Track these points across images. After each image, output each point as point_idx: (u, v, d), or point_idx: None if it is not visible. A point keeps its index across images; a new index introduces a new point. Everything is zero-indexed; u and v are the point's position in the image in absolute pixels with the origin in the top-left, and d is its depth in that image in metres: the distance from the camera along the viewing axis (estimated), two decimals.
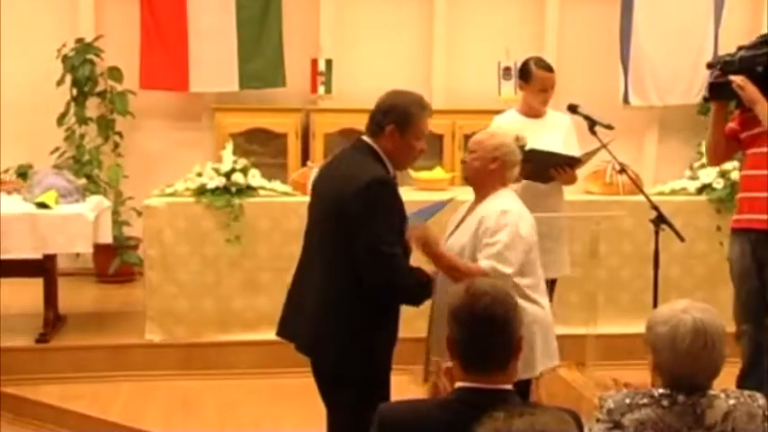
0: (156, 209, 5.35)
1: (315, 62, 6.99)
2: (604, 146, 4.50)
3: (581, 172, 4.84)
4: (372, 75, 7.20)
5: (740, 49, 4.11)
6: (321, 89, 6.99)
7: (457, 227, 3.46)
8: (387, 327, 3.23)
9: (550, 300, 4.24)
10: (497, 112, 5.29)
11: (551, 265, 4.50)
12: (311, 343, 3.24)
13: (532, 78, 4.69)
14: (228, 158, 5.47)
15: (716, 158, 4.41)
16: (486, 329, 2.35)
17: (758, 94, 3.98)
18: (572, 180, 4.67)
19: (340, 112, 7.04)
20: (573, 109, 4.66)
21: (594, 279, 5.00)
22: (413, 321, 3.47)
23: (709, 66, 4.29)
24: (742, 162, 4.41)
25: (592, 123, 4.54)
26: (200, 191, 5.36)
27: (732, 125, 4.22)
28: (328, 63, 6.99)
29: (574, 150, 4.67)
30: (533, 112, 4.75)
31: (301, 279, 3.34)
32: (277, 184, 5.55)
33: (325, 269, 3.19)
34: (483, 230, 3.29)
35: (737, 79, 4.00)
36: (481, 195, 3.42)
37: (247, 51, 6.95)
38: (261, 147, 6.99)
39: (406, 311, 3.29)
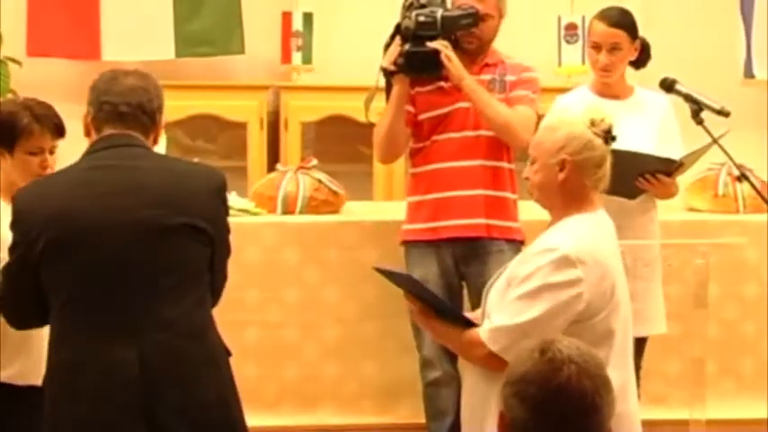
0: None
1: (287, 17, 7.05)
2: (716, 141, 4.52)
3: (681, 179, 4.88)
4: (370, 37, 7.19)
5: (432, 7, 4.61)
6: (297, 57, 7.05)
7: None
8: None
9: (638, 368, 4.27)
10: (556, 91, 5.31)
11: (639, 317, 4.51)
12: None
13: (587, 32, 4.85)
14: None
15: (394, 153, 4.93)
16: (569, 412, 2.34)
17: (463, 68, 4.57)
18: (670, 192, 4.72)
19: (324, 90, 7.08)
20: (669, 86, 4.67)
21: (702, 338, 5.02)
22: None
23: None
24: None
25: (697, 107, 4.55)
26: None
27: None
28: (307, 19, 7.04)
29: (674, 148, 4.69)
30: (612, 91, 4.78)
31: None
32: (232, 198, 5.57)
33: (175, 314, 3.30)
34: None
35: (446, 50, 4.54)
36: (555, 220, 3.41)
37: (188, 3, 7.03)
38: (208, 142, 7.05)
39: None
